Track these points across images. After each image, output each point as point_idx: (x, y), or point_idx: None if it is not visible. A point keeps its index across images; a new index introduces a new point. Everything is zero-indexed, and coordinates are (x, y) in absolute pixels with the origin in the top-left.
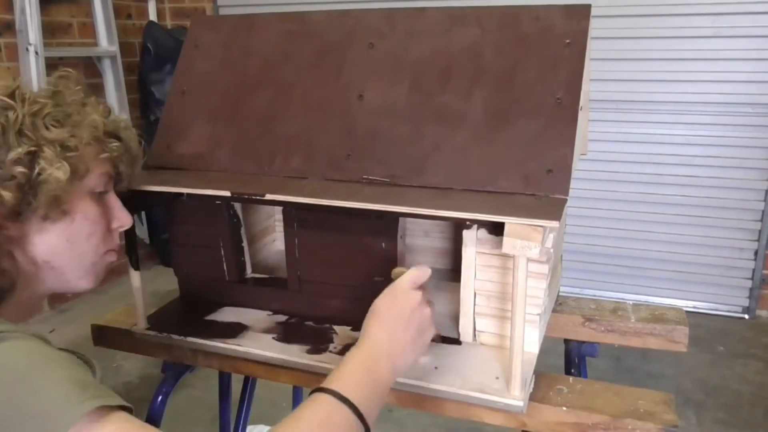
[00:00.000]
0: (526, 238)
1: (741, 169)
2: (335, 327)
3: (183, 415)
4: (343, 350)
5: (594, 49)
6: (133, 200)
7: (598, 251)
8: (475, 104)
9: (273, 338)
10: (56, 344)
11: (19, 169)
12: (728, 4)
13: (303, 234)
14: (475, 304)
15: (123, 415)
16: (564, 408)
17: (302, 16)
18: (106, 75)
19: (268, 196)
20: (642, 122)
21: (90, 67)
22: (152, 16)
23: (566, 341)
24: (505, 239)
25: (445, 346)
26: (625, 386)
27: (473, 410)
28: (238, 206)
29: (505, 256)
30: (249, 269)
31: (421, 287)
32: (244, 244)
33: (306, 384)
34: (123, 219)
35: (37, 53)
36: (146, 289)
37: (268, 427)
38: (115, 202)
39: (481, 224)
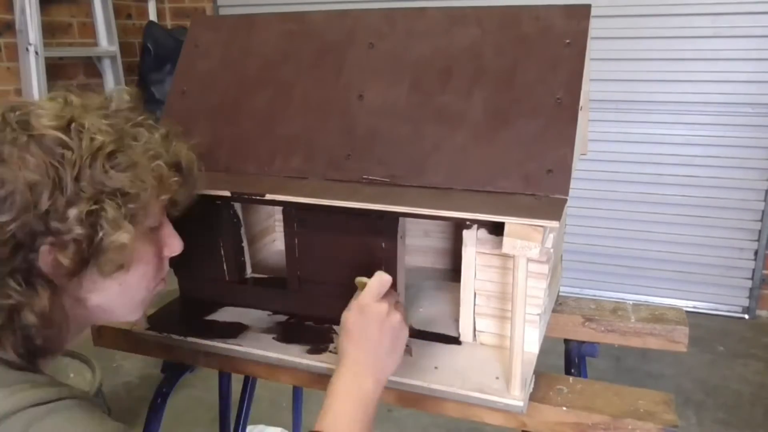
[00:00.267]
0: (526, 238)
1: (741, 169)
2: (335, 327)
3: (183, 415)
4: None
5: (594, 49)
6: None
7: (598, 251)
8: (475, 104)
9: (273, 338)
10: None
11: (80, 230)
12: (728, 4)
13: (303, 234)
14: (475, 304)
15: None
16: (564, 408)
17: (302, 16)
18: (106, 75)
19: (268, 196)
20: (642, 122)
21: (90, 67)
22: (152, 16)
23: (566, 341)
24: (505, 239)
25: (445, 346)
26: (625, 386)
27: (473, 410)
28: (238, 206)
29: (505, 256)
30: (249, 269)
31: (387, 294)
32: (244, 244)
33: (306, 384)
34: (174, 246)
35: (37, 53)
36: None
37: (268, 428)
38: (168, 231)
39: (481, 224)
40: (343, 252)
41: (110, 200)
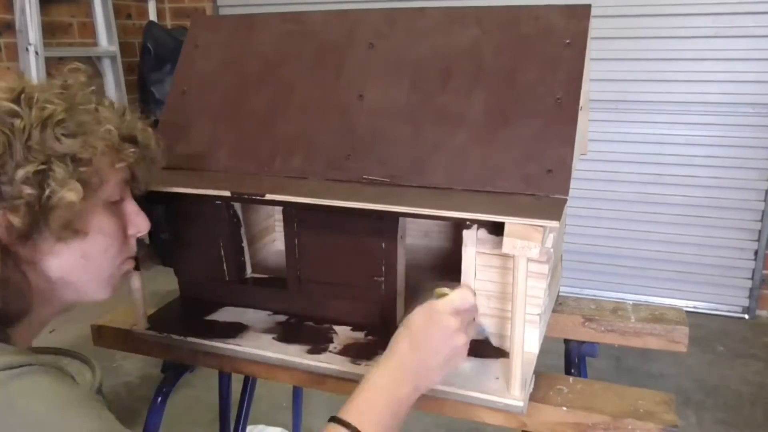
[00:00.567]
0: (526, 238)
1: (741, 169)
2: (335, 327)
3: (183, 415)
4: (343, 350)
5: (594, 49)
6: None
7: (598, 251)
8: (475, 104)
9: (273, 338)
10: (56, 345)
11: (28, 190)
12: (728, 4)
13: (303, 234)
14: None
15: None
16: (564, 408)
17: (302, 16)
18: (106, 75)
19: (268, 196)
20: (642, 122)
21: (90, 67)
22: (152, 16)
23: (566, 341)
24: (505, 239)
25: None
26: (625, 386)
27: (473, 410)
28: (238, 206)
29: (505, 256)
30: (249, 269)
31: (464, 311)
32: (244, 244)
33: (306, 384)
34: (140, 225)
35: (37, 53)
36: (146, 289)
37: (268, 427)
38: (131, 208)
39: (481, 224)
40: (343, 252)
41: (59, 162)
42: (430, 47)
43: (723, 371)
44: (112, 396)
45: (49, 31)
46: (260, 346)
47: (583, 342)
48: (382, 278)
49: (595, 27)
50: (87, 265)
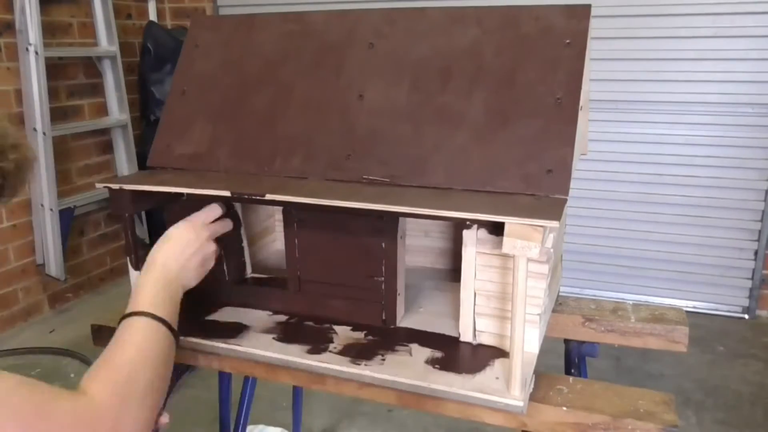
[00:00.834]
0: (526, 238)
1: (741, 169)
2: (335, 327)
3: (183, 415)
4: (344, 350)
5: (594, 49)
6: (133, 200)
7: (598, 251)
8: (475, 104)
9: (273, 338)
10: (56, 345)
11: None
12: (728, 4)
13: (303, 234)
14: (475, 304)
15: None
16: (564, 408)
17: (302, 16)
18: (106, 75)
19: (268, 196)
20: (642, 122)
21: (90, 67)
22: (152, 16)
23: (566, 341)
24: (505, 239)
25: (445, 346)
26: (625, 386)
27: (473, 410)
28: (238, 206)
29: (505, 256)
30: (249, 269)
31: (212, 224)
32: (244, 244)
33: (306, 384)
34: None
35: (37, 53)
36: None
37: (268, 427)
38: None
39: (481, 224)
40: (343, 252)
41: None
42: (430, 47)
43: (723, 371)
44: None
45: (49, 31)
46: (260, 346)
47: (583, 342)
48: (382, 278)
49: (595, 27)
50: None
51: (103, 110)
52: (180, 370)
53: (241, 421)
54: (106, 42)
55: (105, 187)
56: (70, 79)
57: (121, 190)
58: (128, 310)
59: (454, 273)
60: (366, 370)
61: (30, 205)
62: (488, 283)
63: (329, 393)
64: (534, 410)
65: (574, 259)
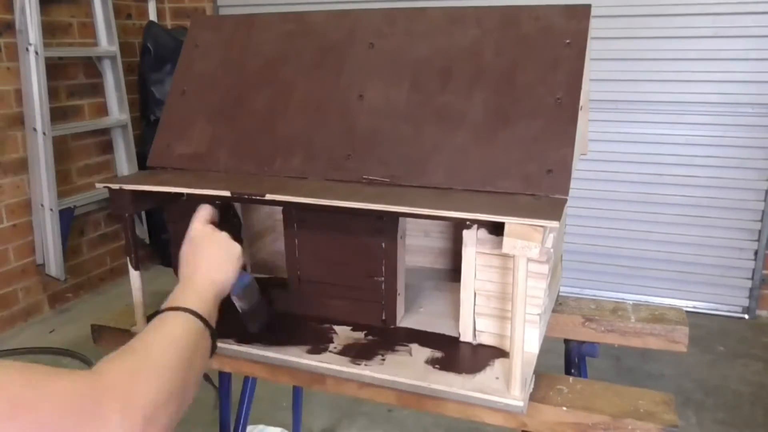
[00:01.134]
0: (526, 238)
1: (741, 169)
2: (335, 327)
3: (183, 415)
4: (344, 350)
5: (594, 49)
6: (133, 200)
7: (598, 251)
8: (475, 104)
9: (273, 338)
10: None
11: None
12: (728, 4)
13: (303, 234)
14: (475, 304)
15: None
16: (564, 408)
17: (302, 16)
18: (106, 75)
19: (268, 196)
20: (642, 122)
21: (90, 67)
22: (152, 16)
23: (566, 341)
24: (505, 239)
25: (445, 346)
26: (625, 386)
27: (473, 410)
28: (238, 206)
29: (505, 256)
30: (249, 269)
31: (212, 223)
32: (245, 244)
33: (306, 384)
34: None
35: (37, 53)
36: (146, 289)
37: (268, 427)
38: None
39: (481, 224)
40: (343, 252)
41: None
42: (430, 47)
43: (723, 371)
44: None
45: (49, 31)
46: (260, 346)
47: (583, 342)
48: (382, 278)
49: (595, 27)
50: None
51: (103, 110)
52: None
53: (241, 421)
54: (106, 42)
55: (105, 187)
56: (70, 79)
57: (121, 190)
58: (168, 305)
59: (454, 273)
60: (366, 370)
61: (30, 205)
62: (488, 283)
63: (329, 393)
64: (534, 410)
65: (574, 259)
